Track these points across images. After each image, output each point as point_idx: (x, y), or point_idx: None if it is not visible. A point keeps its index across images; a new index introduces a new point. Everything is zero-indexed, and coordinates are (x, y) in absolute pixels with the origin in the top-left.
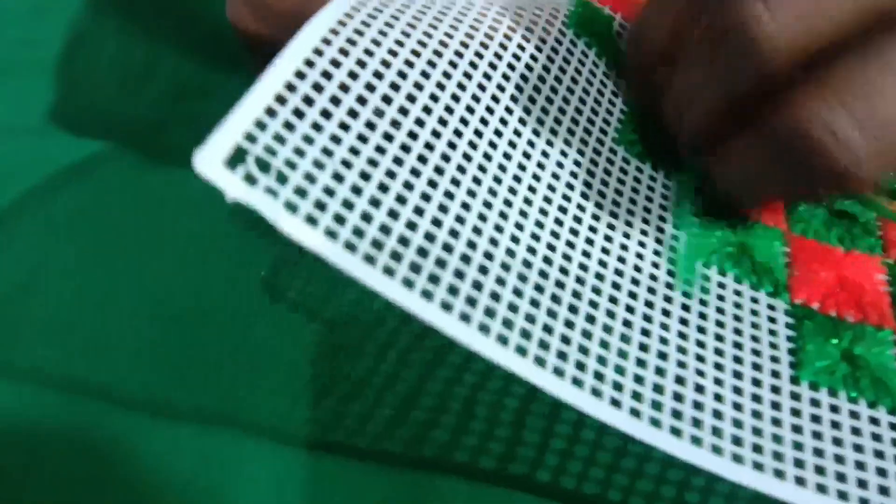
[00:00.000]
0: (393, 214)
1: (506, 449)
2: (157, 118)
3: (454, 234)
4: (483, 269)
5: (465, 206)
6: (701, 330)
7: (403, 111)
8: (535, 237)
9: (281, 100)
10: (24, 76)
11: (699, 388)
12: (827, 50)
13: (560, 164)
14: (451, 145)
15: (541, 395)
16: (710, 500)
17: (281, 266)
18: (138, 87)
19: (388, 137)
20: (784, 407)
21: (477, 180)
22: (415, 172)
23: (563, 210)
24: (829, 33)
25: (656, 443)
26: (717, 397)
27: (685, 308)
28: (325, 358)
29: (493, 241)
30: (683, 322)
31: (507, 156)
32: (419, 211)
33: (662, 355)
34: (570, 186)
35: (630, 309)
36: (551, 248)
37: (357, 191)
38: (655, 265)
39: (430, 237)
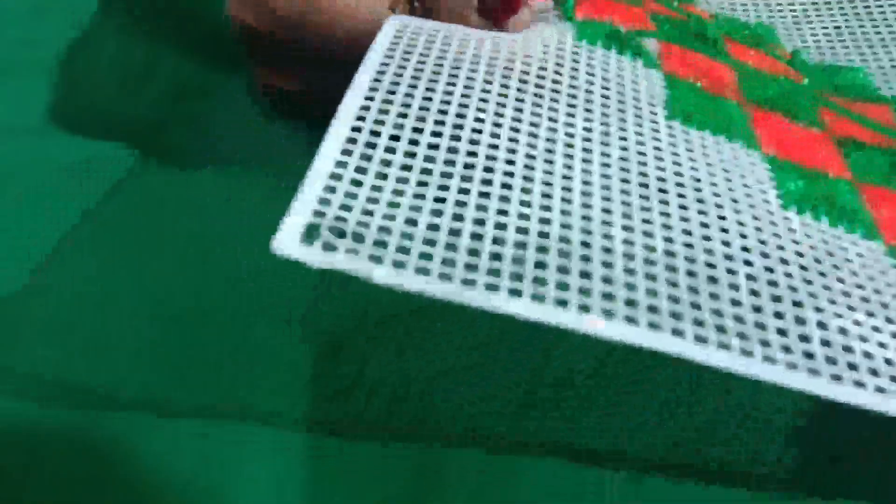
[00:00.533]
0: (476, 236)
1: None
2: (157, 118)
3: (543, 250)
4: (586, 258)
5: (545, 221)
6: (822, 274)
7: (455, 139)
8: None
9: (342, 164)
10: (24, 76)
11: (842, 330)
12: None
13: (624, 148)
14: (510, 162)
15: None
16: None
17: (280, 267)
18: (138, 87)
19: (448, 173)
20: None
21: (547, 193)
22: (484, 195)
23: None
24: None
25: (809, 388)
26: (882, 345)
27: (798, 255)
28: (325, 358)
29: (586, 231)
30: (803, 268)
31: (568, 154)
32: (502, 226)
33: (819, 309)
34: (643, 174)
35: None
36: (667, 236)
37: (434, 227)
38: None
39: (521, 245)
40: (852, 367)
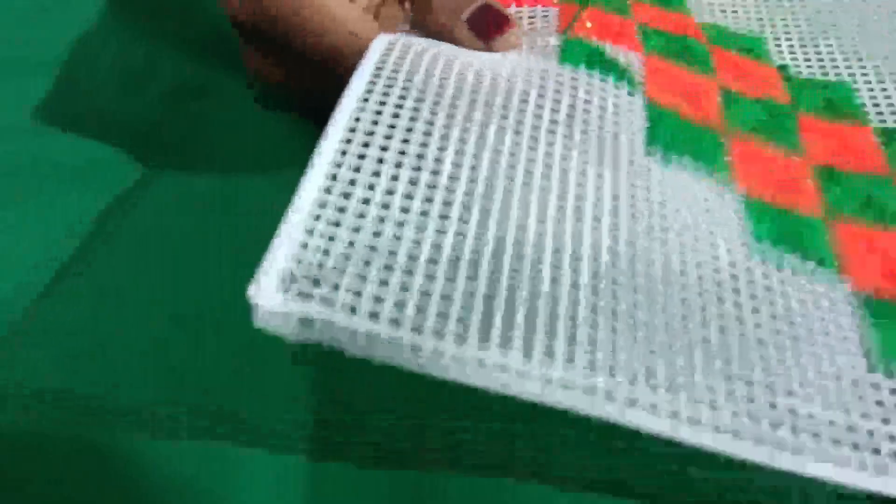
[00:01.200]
0: (449, 283)
1: (506, 442)
2: (157, 118)
3: (512, 293)
4: (550, 306)
5: (515, 271)
6: (775, 320)
7: (431, 186)
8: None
9: (322, 204)
10: (24, 76)
11: (789, 393)
12: None
13: (599, 186)
14: (485, 210)
15: None
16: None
17: None
18: (138, 86)
19: (424, 213)
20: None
21: (519, 240)
22: (460, 234)
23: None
24: None
25: (755, 458)
26: (808, 398)
27: (755, 311)
28: (324, 358)
29: (555, 282)
30: (757, 325)
31: (544, 190)
32: (472, 276)
33: (750, 365)
34: (615, 203)
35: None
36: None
37: (409, 272)
38: (733, 264)
39: (490, 296)
40: (815, 437)
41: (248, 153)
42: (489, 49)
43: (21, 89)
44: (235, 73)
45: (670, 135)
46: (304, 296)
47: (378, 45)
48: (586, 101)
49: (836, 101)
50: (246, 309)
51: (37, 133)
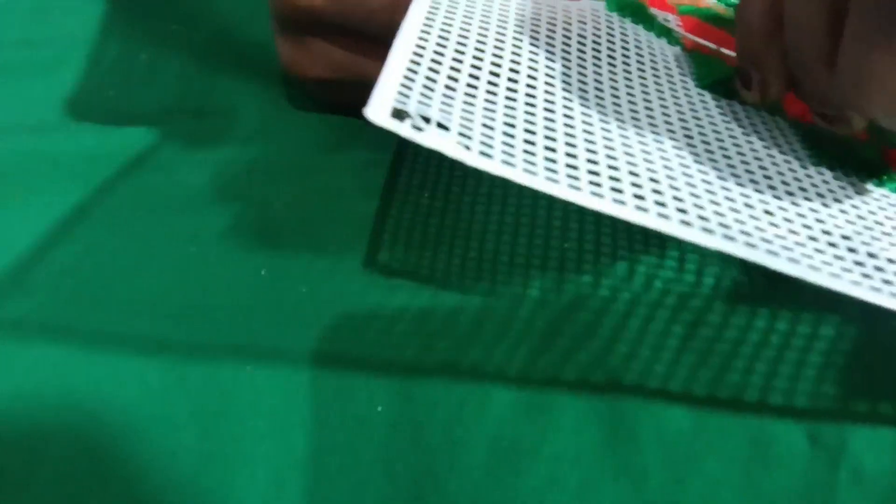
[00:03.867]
0: (550, 139)
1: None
2: (158, 118)
3: (610, 150)
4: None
5: (608, 139)
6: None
7: (515, 62)
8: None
9: (416, 62)
10: (24, 76)
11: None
12: None
13: (665, 104)
14: (565, 78)
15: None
16: None
17: (280, 265)
18: (139, 87)
19: (514, 72)
20: None
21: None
22: (549, 85)
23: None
24: None
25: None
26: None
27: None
28: (324, 358)
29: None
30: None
31: (616, 103)
32: (569, 124)
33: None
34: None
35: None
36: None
37: (510, 125)
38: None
39: (593, 153)
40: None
41: (248, 153)
42: None
43: (21, 89)
44: (237, 74)
45: (717, 73)
46: (417, 129)
47: None
48: (637, 45)
49: None
50: (245, 307)
51: (36, 132)
